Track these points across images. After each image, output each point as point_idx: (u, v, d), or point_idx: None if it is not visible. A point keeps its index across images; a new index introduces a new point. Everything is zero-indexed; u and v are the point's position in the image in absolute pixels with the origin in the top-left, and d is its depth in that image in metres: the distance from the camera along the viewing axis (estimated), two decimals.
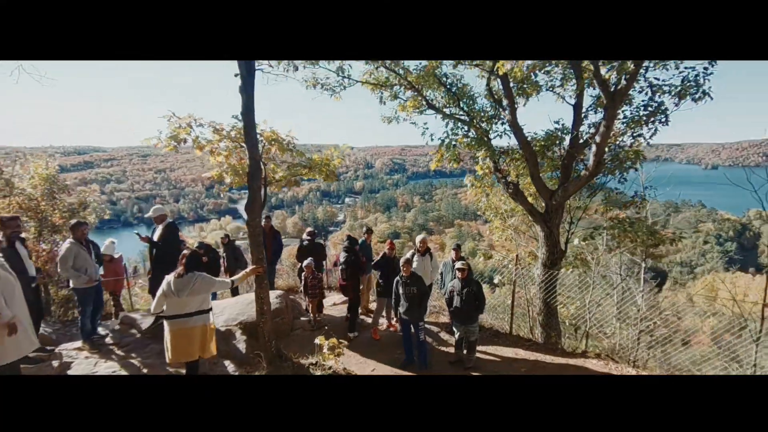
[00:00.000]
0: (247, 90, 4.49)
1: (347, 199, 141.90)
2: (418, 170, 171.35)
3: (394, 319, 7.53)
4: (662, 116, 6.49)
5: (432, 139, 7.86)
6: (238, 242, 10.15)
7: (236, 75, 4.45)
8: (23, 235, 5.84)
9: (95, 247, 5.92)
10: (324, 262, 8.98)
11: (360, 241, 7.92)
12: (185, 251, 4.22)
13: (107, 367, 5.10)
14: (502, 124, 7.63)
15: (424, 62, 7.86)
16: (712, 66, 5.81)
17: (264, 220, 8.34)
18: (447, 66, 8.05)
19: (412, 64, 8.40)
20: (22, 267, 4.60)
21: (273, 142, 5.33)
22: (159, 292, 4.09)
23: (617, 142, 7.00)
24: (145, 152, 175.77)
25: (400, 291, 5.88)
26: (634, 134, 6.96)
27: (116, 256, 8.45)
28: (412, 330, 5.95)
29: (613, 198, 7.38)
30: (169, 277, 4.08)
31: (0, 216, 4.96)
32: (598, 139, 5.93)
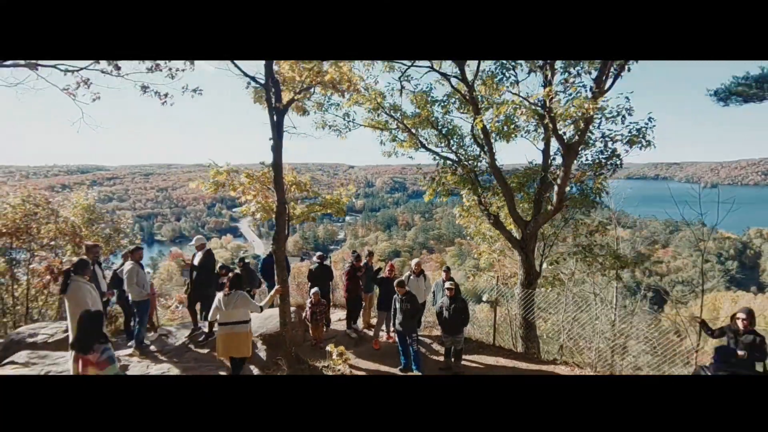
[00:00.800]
0: (277, 149, 5.77)
1: (348, 218, 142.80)
2: (419, 189, 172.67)
3: (392, 330, 8.63)
4: (617, 159, 7.77)
5: (424, 178, 9.16)
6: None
7: (270, 139, 5.74)
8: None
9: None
10: (330, 283, 10.10)
11: (363, 263, 9.07)
12: (230, 274, 5.44)
13: (158, 369, 6.23)
14: (486, 162, 8.93)
15: (419, 110, 9.22)
16: (652, 121, 7.12)
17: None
18: (438, 111, 9.38)
19: (408, 110, 9.74)
20: (98, 285, 5.79)
21: (293, 185, 6.59)
22: (213, 306, 5.33)
23: (582, 179, 8.27)
24: (147, 171, 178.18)
25: (397, 306, 7.03)
26: (596, 173, 8.23)
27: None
28: (408, 341, 7.07)
29: (581, 227, 8.61)
30: (219, 295, 5.32)
31: (85, 243, 6.17)
32: (559, 181, 7.21)
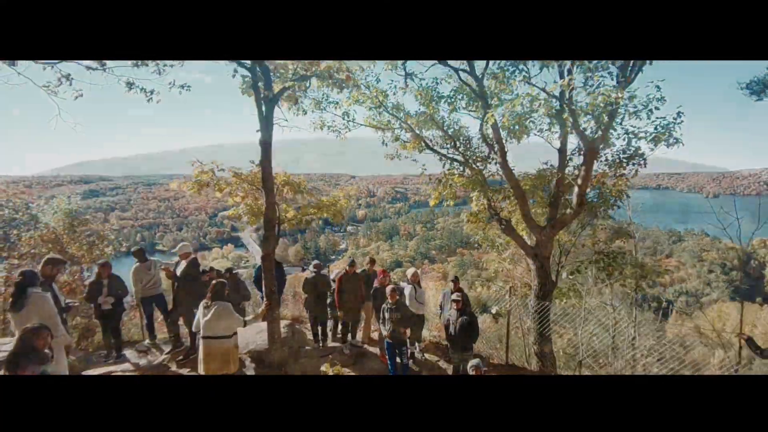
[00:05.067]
0: (266, 144, 5.13)
1: (349, 228, 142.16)
2: (420, 198, 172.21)
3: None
4: (641, 159, 7.11)
5: (430, 180, 8.49)
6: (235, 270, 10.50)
7: (257, 131, 5.12)
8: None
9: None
10: (328, 293, 9.40)
11: (361, 270, 8.37)
12: (214, 282, 4.81)
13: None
14: (496, 164, 8.26)
15: (423, 108, 8.58)
16: (681, 117, 6.46)
17: None
18: (444, 112, 8.75)
19: (412, 110, 9.10)
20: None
21: (285, 185, 5.94)
22: (197, 316, 4.80)
23: (602, 181, 7.60)
24: (150, 181, 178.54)
25: (386, 315, 6.35)
26: (617, 174, 7.56)
27: None
28: (397, 353, 6.43)
29: (600, 232, 7.91)
30: (202, 304, 4.75)
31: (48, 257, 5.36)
32: (579, 182, 6.54)
